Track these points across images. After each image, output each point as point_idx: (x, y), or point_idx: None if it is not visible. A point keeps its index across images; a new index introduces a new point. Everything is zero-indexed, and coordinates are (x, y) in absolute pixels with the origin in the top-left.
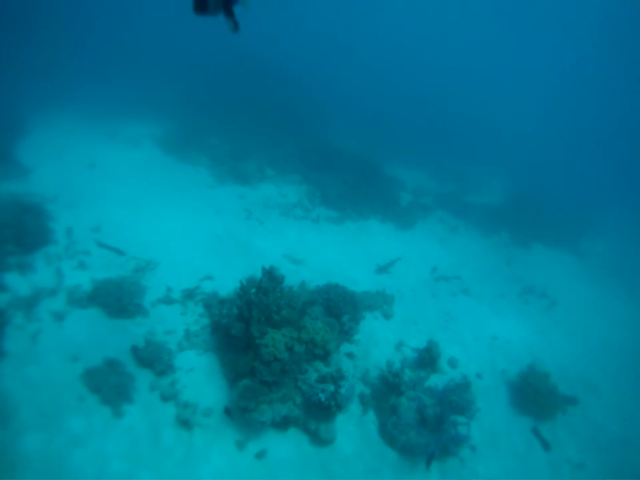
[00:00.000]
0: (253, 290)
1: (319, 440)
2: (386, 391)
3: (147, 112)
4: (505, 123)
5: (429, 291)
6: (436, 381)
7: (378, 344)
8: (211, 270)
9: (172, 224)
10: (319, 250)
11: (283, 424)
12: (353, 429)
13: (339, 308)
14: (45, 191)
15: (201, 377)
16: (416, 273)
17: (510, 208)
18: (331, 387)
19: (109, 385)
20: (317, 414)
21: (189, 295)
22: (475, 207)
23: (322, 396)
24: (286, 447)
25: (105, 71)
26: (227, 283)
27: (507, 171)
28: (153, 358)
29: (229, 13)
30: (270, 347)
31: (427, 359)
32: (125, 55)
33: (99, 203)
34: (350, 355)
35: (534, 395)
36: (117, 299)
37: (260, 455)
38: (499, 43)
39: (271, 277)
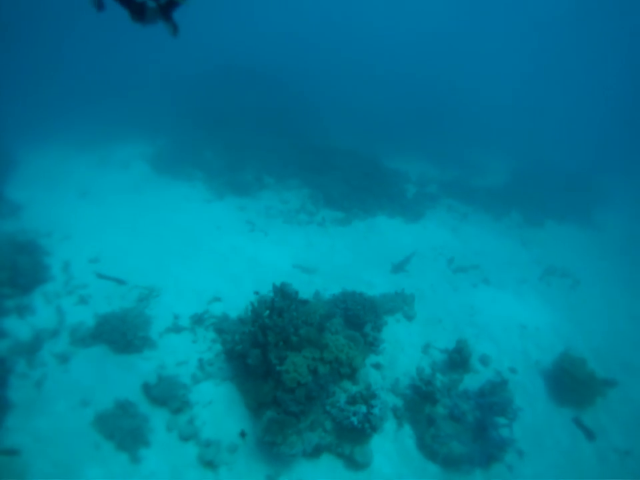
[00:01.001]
0: (266, 312)
1: (355, 464)
2: (419, 401)
3: (136, 131)
4: (502, 102)
5: (449, 284)
6: (470, 381)
7: (404, 349)
8: (219, 290)
9: (171, 245)
10: (329, 255)
11: (314, 452)
12: (390, 446)
13: (359, 317)
14: (39, 226)
15: (221, 410)
16: (433, 267)
17: (516, 187)
18: (363, 408)
19: (123, 429)
20: (350, 437)
21: (198, 320)
22: (482, 190)
23: (354, 419)
24: (320, 475)
25: (92, 94)
26: (237, 303)
27: (508, 149)
28: (166, 395)
29: (167, 17)
30: (291, 372)
31: (458, 360)
32: (111, 74)
33: (94, 232)
34: (377, 366)
35: (571, 383)
36: (121, 334)
37: None
38: (492, 21)
39: (284, 295)
